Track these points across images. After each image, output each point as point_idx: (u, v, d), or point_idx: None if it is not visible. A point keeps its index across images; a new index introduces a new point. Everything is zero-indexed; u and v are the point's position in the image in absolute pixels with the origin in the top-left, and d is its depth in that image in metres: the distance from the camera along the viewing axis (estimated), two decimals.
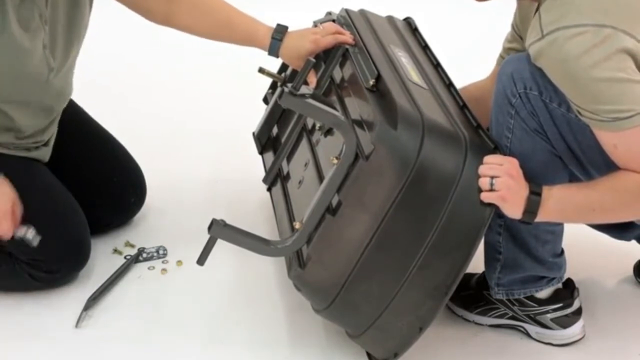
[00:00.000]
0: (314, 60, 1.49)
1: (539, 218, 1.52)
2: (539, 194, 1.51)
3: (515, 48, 1.79)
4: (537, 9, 1.56)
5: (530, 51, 1.50)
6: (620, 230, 1.78)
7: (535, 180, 1.54)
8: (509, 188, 1.49)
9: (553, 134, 1.56)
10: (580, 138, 1.54)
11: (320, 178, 1.64)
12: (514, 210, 1.51)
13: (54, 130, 1.95)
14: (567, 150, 1.57)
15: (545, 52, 1.47)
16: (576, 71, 1.44)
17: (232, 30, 1.88)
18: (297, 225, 1.59)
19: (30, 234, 1.72)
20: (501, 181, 1.48)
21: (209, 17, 1.89)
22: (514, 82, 1.56)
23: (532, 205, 1.51)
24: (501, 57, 1.84)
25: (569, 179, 1.62)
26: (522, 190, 1.51)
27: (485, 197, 1.49)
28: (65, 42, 1.82)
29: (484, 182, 1.49)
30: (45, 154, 1.93)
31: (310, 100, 1.45)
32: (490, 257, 1.71)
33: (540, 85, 1.53)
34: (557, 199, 1.51)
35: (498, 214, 1.60)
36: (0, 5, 1.66)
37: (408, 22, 2.01)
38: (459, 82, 1.77)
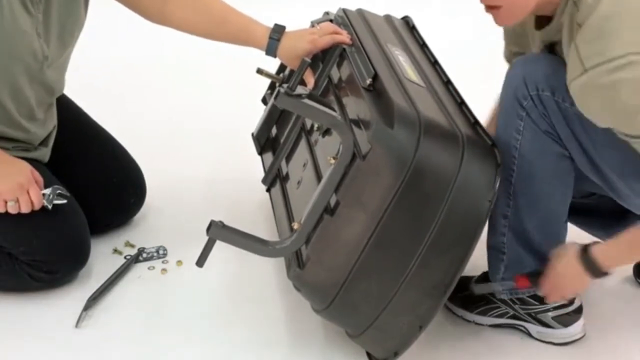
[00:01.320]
0: (309, 60, 1.48)
1: (605, 269, 1.57)
2: (585, 251, 1.57)
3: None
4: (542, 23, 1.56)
5: (571, 89, 1.45)
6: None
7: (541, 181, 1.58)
8: (555, 286, 1.64)
9: (565, 134, 1.56)
10: (593, 136, 1.54)
11: (319, 178, 1.63)
12: (578, 285, 1.64)
13: (50, 128, 1.95)
14: (579, 148, 1.56)
15: (591, 86, 1.40)
16: (628, 101, 1.38)
17: (228, 29, 1.88)
18: (295, 225, 1.59)
19: (55, 194, 1.80)
20: (546, 288, 1.65)
21: (205, 15, 1.89)
22: (525, 85, 1.56)
23: (588, 265, 1.57)
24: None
25: (574, 182, 1.63)
26: (568, 271, 1.60)
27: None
28: (59, 36, 1.82)
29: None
30: (44, 154, 1.93)
31: (307, 101, 1.44)
32: (493, 258, 1.71)
33: (552, 85, 1.53)
34: (606, 249, 1.58)
35: (503, 214, 1.61)
36: None
37: (406, 20, 2.01)
38: (457, 80, 1.77)
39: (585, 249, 1.58)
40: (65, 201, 1.82)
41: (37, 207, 1.77)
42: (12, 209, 1.75)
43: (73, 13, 1.84)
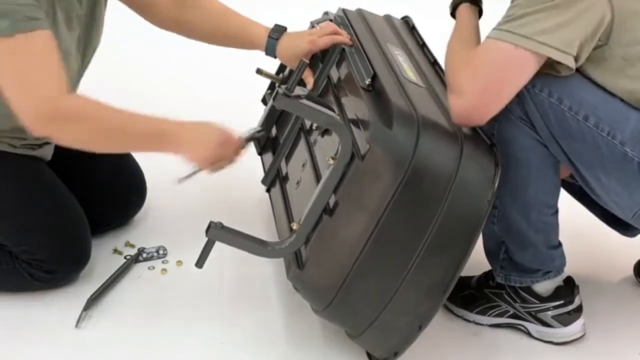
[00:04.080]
0: (307, 61, 1.48)
1: None
2: None
3: None
4: None
5: None
6: (625, 226, 1.78)
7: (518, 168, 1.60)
8: None
9: (537, 121, 1.57)
10: (564, 126, 1.55)
11: (317, 178, 1.63)
12: None
13: None
14: (550, 136, 1.57)
15: None
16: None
17: (229, 30, 1.88)
18: (294, 226, 1.59)
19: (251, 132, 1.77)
20: None
21: (213, 20, 1.89)
22: None
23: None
24: None
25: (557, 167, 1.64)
26: None
27: None
28: (87, 44, 1.83)
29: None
30: (48, 152, 1.92)
31: (305, 101, 1.44)
32: (492, 243, 1.72)
33: None
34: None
35: (492, 205, 1.60)
36: (51, 6, 1.65)
37: (406, 20, 2.01)
38: None
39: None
40: (262, 132, 1.78)
41: (240, 152, 1.71)
42: (221, 168, 1.69)
43: (98, 23, 1.85)
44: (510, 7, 1.52)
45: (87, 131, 1.62)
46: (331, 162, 1.52)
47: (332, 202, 1.51)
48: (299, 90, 1.45)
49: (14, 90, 1.60)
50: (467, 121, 1.53)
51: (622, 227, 1.79)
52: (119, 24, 2.49)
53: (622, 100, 1.54)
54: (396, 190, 1.46)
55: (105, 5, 1.87)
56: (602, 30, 1.50)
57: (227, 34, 1.89)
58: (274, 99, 1.44)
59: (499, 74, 1.50)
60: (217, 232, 1.54)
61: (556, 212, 1.69)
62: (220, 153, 1.67)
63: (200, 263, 1.57)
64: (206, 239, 1.55)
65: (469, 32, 1.65)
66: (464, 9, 1.69)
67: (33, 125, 1.61)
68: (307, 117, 1.56)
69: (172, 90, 2.81)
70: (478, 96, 1.51)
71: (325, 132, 1.67)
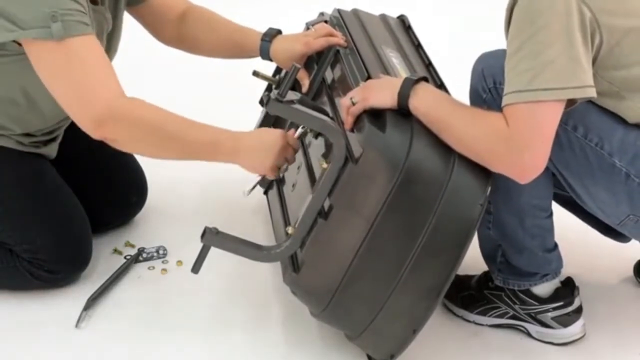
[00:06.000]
0: (299, 66, 1.47)
1: (411, 104, 1.49)
2: (414, 79, 1.51)
3: None
4: None
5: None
6: (616, 232, 1.77)
7: None
8: (367, 88, 1.53)
9: None
10: None
11: (312, 181, 1.63)
12: (384, 95, 1.51)
13: (65, 125, 1.95)
14: None
15: None
16: None
17: (222, 35, 1.88)
18: (290, 230, 1.59)
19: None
20: (357, 90, 1.54)
21: (214, 32, 1.91)
22: (484, 78, 1.58)
23: (406, 85, 1.50)
24: None
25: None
26: (390, 81, 1.54)
27: (350, 112, 1.52)
28: (109, 58, 1.84)
29: (344, 102, 1.54)
30: (53, 150, 1.93)
31: (297, 106, 1.44)
32: (489, 247, 1.72)
33: None
34: (430, 92, 1.52)
35: (487, 210, 1.60)
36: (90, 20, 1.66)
37: (402, 19, 2.00)
38: (451, 81, 1.76)
39: (417, 81, 1.52)
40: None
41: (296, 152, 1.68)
42: (284, 171, 1.67)
43: (118, 38, 1.86)
44: (511, 55, 1.45)
45: (142, 134, 1.62)
46: (325, 165, 1.51)
47: (326, 205, 1.51)
48: (291, 95, 1.44)
49: (69, 94, 1.61)
50: (537, 174, 1.48)
51: (614, 233, 1.78)
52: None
53: (609, 111, 1.53)
54: (389, 194, 1.46)
55: (122, 21, 1.88)
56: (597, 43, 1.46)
57: (226, 43, 1.89)
58: (266, 104, 1.44)
59: (538, 132, 1.44)
60: (212, 237, 1.54)
61: (550, 214, 1.68)
62: (283, 157, 1.63)
63: (196, 268, 1.57)
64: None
65: (452, 102, 1.52)
66: (422, 87, 1.52)
67: (90, 128, 1.62)
68: (299, 122, 1.55)
69: (171, 90, 2.81)
70: (534, 159, 1.45)
71: (319, 134, 1.67)
